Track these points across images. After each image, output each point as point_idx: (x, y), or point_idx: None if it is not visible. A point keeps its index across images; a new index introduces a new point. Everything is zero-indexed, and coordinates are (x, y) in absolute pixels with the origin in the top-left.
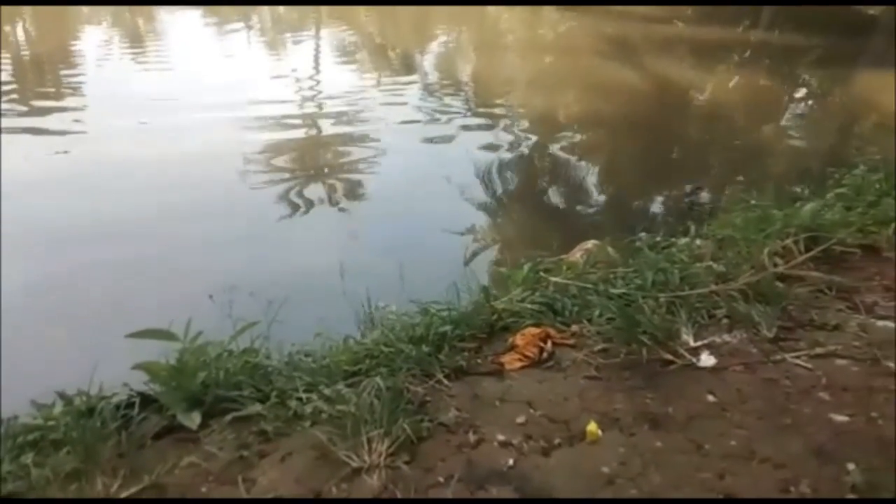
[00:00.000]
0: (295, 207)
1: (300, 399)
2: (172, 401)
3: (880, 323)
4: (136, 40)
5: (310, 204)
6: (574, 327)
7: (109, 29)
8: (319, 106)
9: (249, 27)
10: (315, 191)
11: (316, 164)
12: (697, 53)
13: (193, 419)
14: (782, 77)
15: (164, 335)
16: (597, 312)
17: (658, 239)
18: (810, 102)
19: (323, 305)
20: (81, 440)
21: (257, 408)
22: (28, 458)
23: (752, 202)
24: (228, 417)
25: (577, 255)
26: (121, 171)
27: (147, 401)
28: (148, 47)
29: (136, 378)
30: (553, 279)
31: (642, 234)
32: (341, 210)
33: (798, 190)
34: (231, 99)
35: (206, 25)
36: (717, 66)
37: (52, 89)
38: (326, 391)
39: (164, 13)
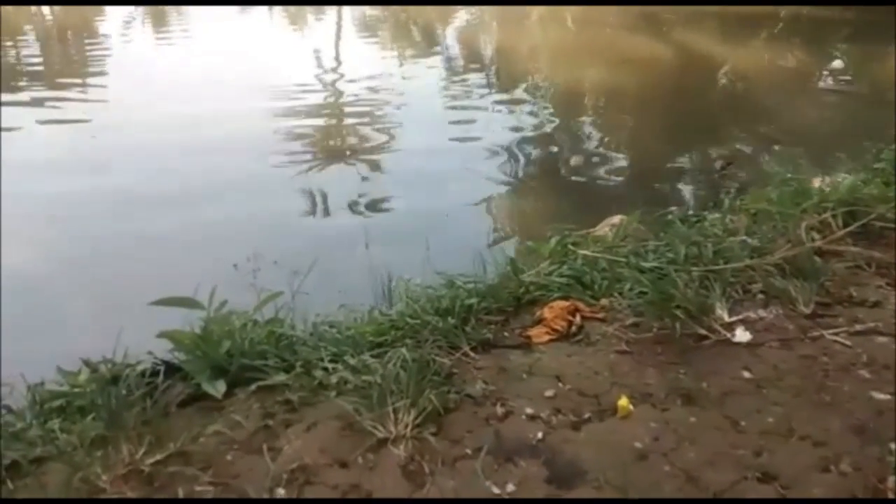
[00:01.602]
0: (318, 182)
1: (325, 369)
2: (197, 369)
3: None
4: (158, 19)
5: (333, 179)
6: (603, 301)
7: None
8: (342, 85)
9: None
10: (338, 167)
11: (339, 142)
12: (727, 27)
13: (218, 388)
14: (815, 51)
15: (188, 303)
16: (627, 286)
17: (689, 213)
18: (845, 77)
19: (347, 277)
20: (107, 407)
21: (282, 377)
22: (55, 423)
23: (788, 175)
24: (253, 387)
25: (604, 229)
26: (145, 150)
27: (172, 369)
28: (171, 25)
29: (161, 347)
30: (582, 252)
31: (673, 208)
32: (364, 181)
33: (835, 164)
34: (254, 79)
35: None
36: (747, 39)
37: (78, 80)
38: (352, 361)
39: None
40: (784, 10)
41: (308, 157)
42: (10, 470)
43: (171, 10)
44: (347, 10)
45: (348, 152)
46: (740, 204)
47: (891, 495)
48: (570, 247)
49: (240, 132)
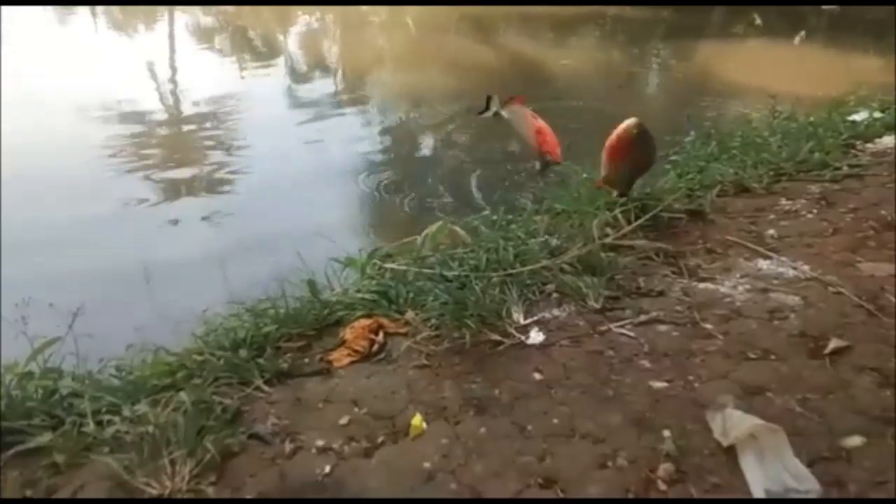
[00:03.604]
0: (134, 205)
1: (100, 423)
2: None
3: (701, 285)
4: None
5: (156, 202)
6: (409, 314)
7: None
8: (178, 97)
9: (95, 14)
10: (154, 188)
11: (158, 160)
12: (554, 28)
13: None
14: (633, 49)
15: None
16: (431, 297)
17: (496, 217)
18: (658, 73)
19: (147, 313)
20: None
21: (47, 437)
22: None
23: (585, 175)
24: (11, 452)
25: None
26: None
27: None
28: None
29: None
30: (389, 266)
31: (485, 212)
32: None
33: None
34: (72, 91)
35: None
36: (571, 40)
37: None
38: (127, 412)
39: None
40: (610, 10)
41: (125, 172)
42: None
43: None
44: (180, 18)
45: (169, 168)
46: (546, 203)
47: (661, 486)
48: (378, 261)
49: (46, 146)
